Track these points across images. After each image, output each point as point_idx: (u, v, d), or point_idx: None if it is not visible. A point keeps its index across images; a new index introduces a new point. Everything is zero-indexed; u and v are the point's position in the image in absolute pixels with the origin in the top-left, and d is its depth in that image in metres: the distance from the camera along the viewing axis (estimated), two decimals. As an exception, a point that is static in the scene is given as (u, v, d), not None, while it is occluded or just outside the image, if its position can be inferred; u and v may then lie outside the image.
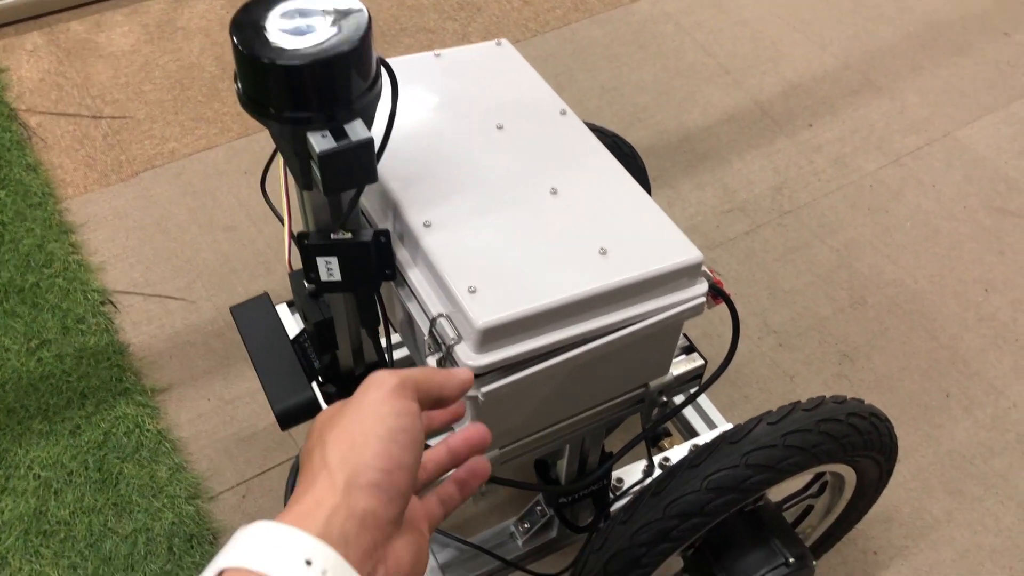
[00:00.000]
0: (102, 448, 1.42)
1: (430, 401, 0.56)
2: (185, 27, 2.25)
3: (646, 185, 1.40)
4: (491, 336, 0.75)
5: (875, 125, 2.07)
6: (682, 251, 0.82)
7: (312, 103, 0.71)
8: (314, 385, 0.97)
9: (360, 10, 0.72)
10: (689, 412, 1.27)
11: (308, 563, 0.44)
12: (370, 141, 0.72)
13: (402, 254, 0.84)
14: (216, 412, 1.49)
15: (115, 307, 1.64)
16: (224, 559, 0.46)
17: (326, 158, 0.70)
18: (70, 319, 1.59)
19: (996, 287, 1.74)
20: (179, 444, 1.45)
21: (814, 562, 1.11)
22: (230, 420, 1.48)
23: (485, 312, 0.75)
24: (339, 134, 0.72)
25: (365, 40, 0.71)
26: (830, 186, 1.93)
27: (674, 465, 0.99)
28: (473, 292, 0.76)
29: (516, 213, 0.84)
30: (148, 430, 1.45)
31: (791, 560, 1.04)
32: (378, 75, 0.75)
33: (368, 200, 0.89)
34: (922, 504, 1.43)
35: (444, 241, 0.80)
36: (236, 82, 0.75)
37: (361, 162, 0.73)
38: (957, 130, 2.05)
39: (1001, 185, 1.93)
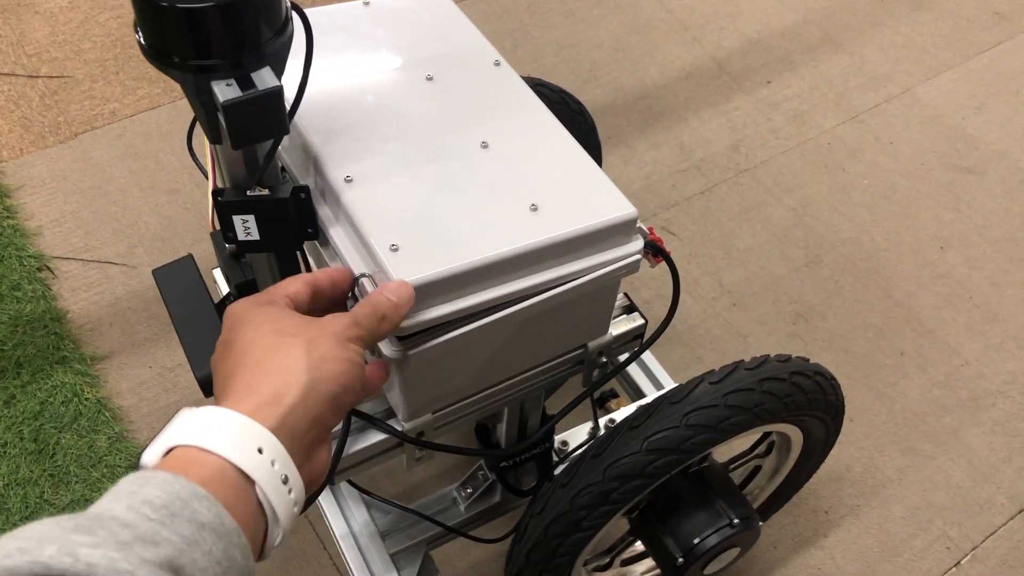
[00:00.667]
0: (38, 418, 1.38)
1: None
2: (127, -17, 2.17)
3: (595, 143, 1.36)
4: (416, 295, 0.72)
5: (834, 82, 2.04)
6: (616, 207, 0.79)
7: (215, 50, 0.66)
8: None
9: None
10: (636, 373, 1.25)
11: (260, 451, 0.48)
12: (279, 90, 0.68)
13: (324, 212, 0.80)
14: (157, 380, 1.45)
15: (52, 273, 1.59)
16: (173, 436, 0.48)
17: (231, 108, 0.66)
18: (4, 286, 1.54)
19: (952, 244, 1.73)
20: (119, 413, 1.41)
21: (761, 523, 1.10)
22: (172, 388, 1.45)
23: (408, 271, 0.71)
24: (246, 83, 0.67)
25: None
26: (788, 144, 1.90)
27: (614, 427, 0.97)
28: (395, 250, 0.72)
29: (444, 167, 0.80)
30: (87, 399, 1.40)
31: (736, 521, 1.03)
32: (288, 20, 0.70)
33: (289, 155, 0.85)
34: (874, 463, 1.43)
35: (366, 197, 0.77)
36: (136, 31, 0.70)
37: (270, 113, 0.68)
38: (916, 86, 2.03)
39: (959, 142, 1.92)
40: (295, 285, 0.64)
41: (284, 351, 0.55)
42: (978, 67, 2.08)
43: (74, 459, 1.34)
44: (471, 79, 0.89)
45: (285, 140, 0.86)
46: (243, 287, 0.87)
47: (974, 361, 1.56)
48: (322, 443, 0.56)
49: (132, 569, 0.38)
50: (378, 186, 0.78)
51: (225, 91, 0.67)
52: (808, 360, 1.03)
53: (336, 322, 0.59)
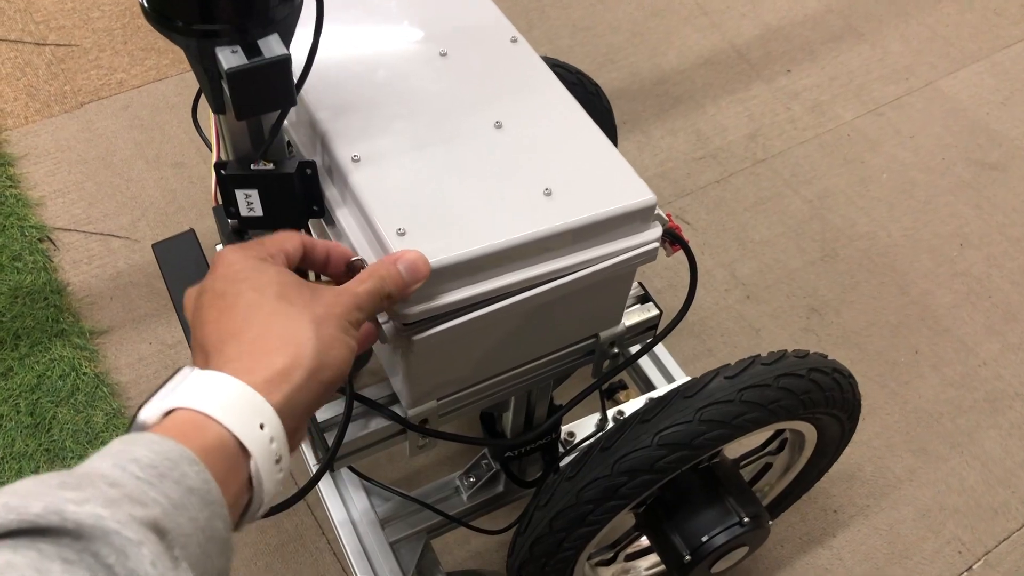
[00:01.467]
0: (35, 391, 1.35)
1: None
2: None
3: (611, 126, 1.33)
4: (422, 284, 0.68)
5: (855, 73, 2.00)
6: (634, 192, 0.76)
7: (220, 14, 0.63)
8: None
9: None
10: (647, 365, 1.21)
11: (262, 427, 0.47)
12: (286, 59, 0.64)
13: (331, 192, 0.77)
14: (157, 356, 1.43)
15: (54, 245, 1.56)
16: (176, 398, 0.46)
17: (236, 76, 0.63)
18: (5, 256, 1.51)
19: (971, 242, 1.69)
20: (118, 389, 1.39)
21: (770, 521, 1.07)
22: (172, 365, 1.42)
23: None
24: (252, 51, 0.64)
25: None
26: (806, 135, 1.86)
27: (624, 419, 0.94)
28: (403, 235, 0.69)
29: (455, 149, 0.77)
30: (85, 373, 1.38)
31: (745, 520, 1.00)
32: (297, -16, 0.67)
33: (296, 131, 0.82)
34: (885, 463, 1.40)
35: (373, 178, 0.73)
36: (138, -8, 0.67)
37: (277, 82, 0.65)
38: (939, 79, 1.99)
39: (981, 137, 1.87)
40: (292, 242, 0.60)
41: (293, 324, 0.52)
42: (1004, 61, 2.04)
43: (70, 434, 1.32)
44: (486, 56, 0.85)
45: (292, 115, 0.83)
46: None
47: (991, 362, 1.52)
48: (302, 429, 0.55)
49: (119, 528, 0.36)
50: (386, 167, 0.74)
51: (230, 58, 0.64)
52: (826, 356, 1.00)
53: (339, 301, 0.56)
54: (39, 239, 1.55)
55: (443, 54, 0.85)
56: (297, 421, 0.51)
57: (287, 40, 0.67)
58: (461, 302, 0.71)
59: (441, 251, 0.68)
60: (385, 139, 0.76)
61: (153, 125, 1.77)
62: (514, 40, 0.87)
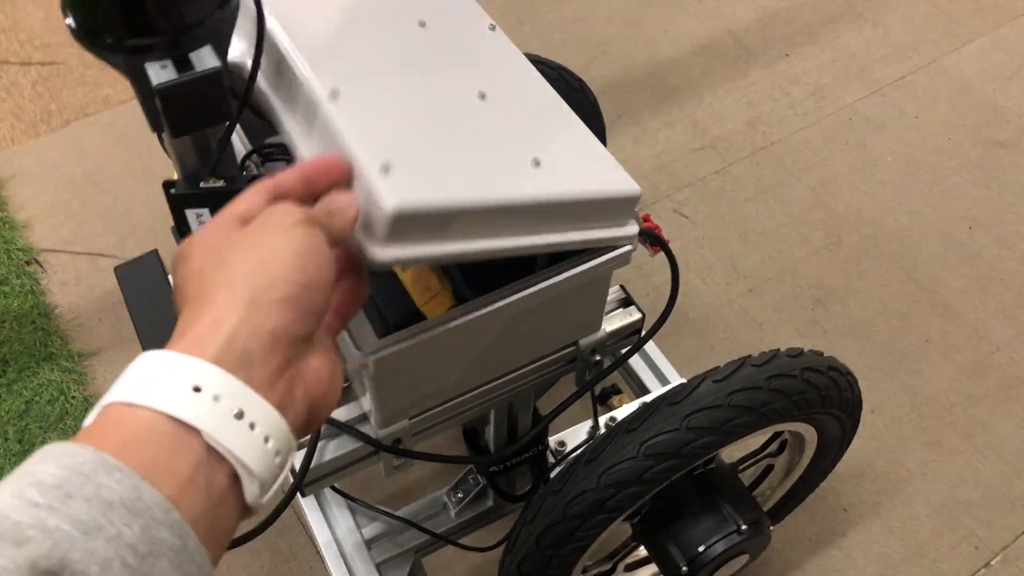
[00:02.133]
0: (23, 418, 1.33)
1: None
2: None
3: (598, 122, 1.29)
4: (403, 225, 0.59)
5: (856, 54, 1.94)
6: (620, 181, 0.71)
7: (149, 28, 0.60)
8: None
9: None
10: (640, 367, 1.17)
11: (197, 390, 0.40)
12: (218, 72, 0.61)
13: (295, 130, 0.69)
14: (147, 376, 1.40)
15: (41, 267, 1.55)
16: (109, 395, 0.41)
17: (165, 92, 0.60)
18: (-8, 280, 1.50)
19: (981, 224, 1.63)
20: (107, 411, 1.36)
21: (773, 526, 1.03)
22: (162, 384, 1.40)
23: (400, 194, 0.58)
24: (183, 65, 0.61)
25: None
26: (807, 120, 1.81)
27: (610, 429, 0.90)
28: (387, 170, 0.60)
29: (441, 104, 0.70)
30: (74, 397, 1.36)
31: (744, 527, 0.96)
32: (230, -10, 0.64)
33: (266, 81, 0.75)
34: (896, 457, 1.35)
35: (354, 112, 0.65)
36: (64, 14, 0.64)
37: (210, 97, 0.62)
38: (943, 57, 1.93)
39: (989, 114, 1.81)
40: (247, 201, 0.50)
41: (222, 269, 0.45)
42: (1010, 34, 1.97)
43: (60, 460, 1.29)
44: (465, 35, 0.80)
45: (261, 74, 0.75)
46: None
47: (1005, 347, 1.47)
48: (307, 356, 0.46)
49: None
50: (368, 104, 0.66)
51: (160, 74, 0.60)
52: (822, 354, 0.95)
53: (274, 214, 0.48)
54: (26, 261, 1.54)
55: (422, 24, 0.78)
56: (270, 363, 0.43)
57: (222, 51, 0.64)
58: (437, 258, 0.65)
59: (430, 193, 0.60)
60: (365, 80, 0.68)
61: (139, 141, 1.74)
62: (492, 28, 0.83)
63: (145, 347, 0.83)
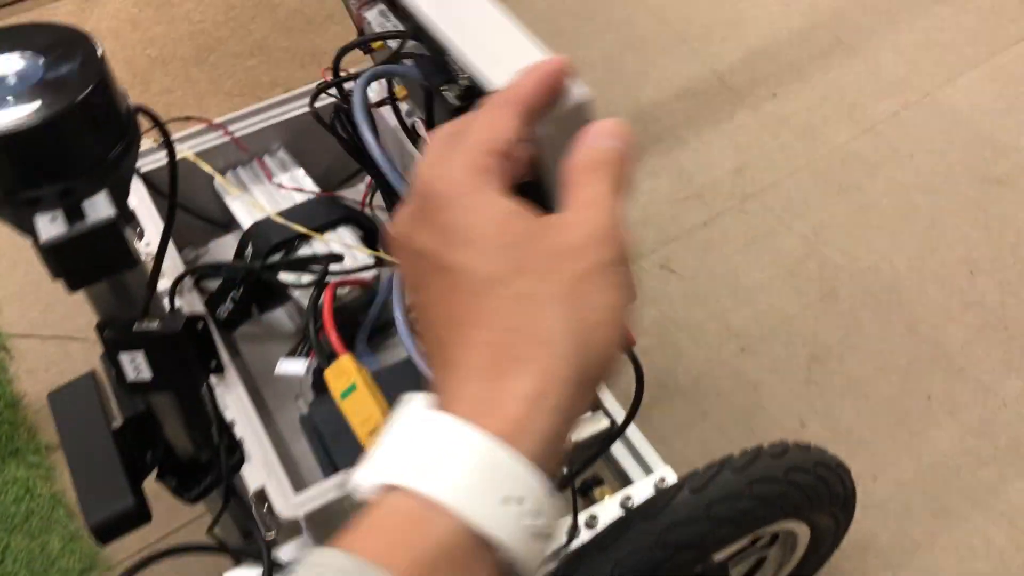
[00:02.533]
0: (-13, 520, 1.28)
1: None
2: (95, 28, 2.07)
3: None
4: None
5: (846, 90, 1.88)
6: None
7: (35, 176, 0.55)
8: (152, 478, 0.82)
9: (89, 46, 0.56)
10: (622, 455, 1.11)
11: (519, 501, 0.31)
12: (113, 222, 0.56)
13: None
14: (116, 468, 1.35)
15: (8, 353, 1.50)
16: (390, 466, 0.32)
17: (51, 250, 0.55)
18: (-44, 372, 1.45)
19: (982, 268, 1.57)
20: (74, 509, 1.31)
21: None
22: (131, 477, 1.34)
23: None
24: (74, 215, 0.56)
25: (99, 88, 0.55)
26: (797, 163, 1.75)
27: (582, 546, 0.84)
28: None
29: None
30: (40, 494, 1.31)
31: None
32: (128, 128, 0.59)
33: None
34: (902, 527, 1.28)
35: None
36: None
37: (106, 247, 0.57)
38: (937, 90, 1.87)
39: (986, 150, 1.75)
40: (507, 130, 0.37)
41: (537, 312, 0.34)
42: (1006, 63, 1.91)
43: (24, 564, 1.24)
44: None
45: None
46: (135, 422, 0.76)
47: (1012, 402, 1.40)
48: (564, 452, 0.37)
49: None
50: None
51: (48, 228, 0.55)
52: (809, 447, 0.89)
53: (601, 248, 0.36)
54: (-7, 349, 1.49)
55: None
56: (559, 456, 0.35)
57: (122, 194, 0.59)
58: None
59: None
60: None
61: (111, 214, 1.70)
62: None
63: (77, 488, 0.77)
